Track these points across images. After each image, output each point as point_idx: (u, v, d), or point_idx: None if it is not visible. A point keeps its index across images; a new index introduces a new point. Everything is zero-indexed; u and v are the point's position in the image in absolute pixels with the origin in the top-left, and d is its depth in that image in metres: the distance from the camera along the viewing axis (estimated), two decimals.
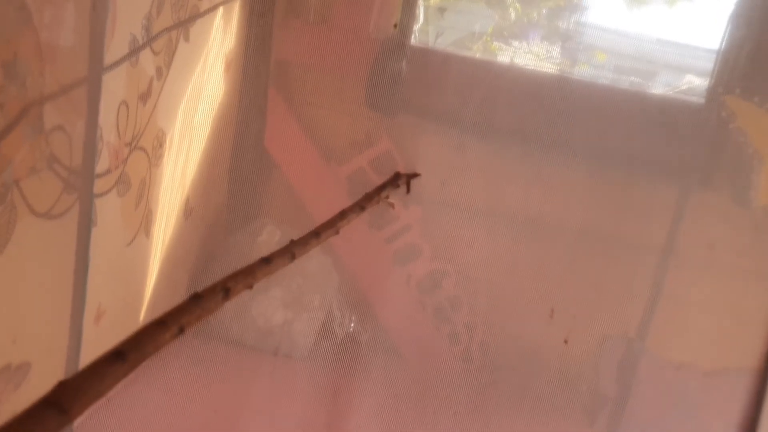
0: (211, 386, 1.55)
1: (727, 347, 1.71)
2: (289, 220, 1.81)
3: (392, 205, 1.35)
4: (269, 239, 1.78)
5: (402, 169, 1.68)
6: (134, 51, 1.08)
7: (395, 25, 1.63)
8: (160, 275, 1.54)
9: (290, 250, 0.86)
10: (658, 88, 1.76)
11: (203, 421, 1.45)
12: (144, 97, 1.25)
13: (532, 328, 1.71)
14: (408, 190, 1.37)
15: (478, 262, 1.75)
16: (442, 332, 1.80)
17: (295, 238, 1.58)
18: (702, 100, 1.64)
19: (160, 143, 1.38)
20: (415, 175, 1.39)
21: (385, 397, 1.61)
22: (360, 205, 1.11)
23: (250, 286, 0.75)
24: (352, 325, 1.82)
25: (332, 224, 1.00)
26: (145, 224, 1.40)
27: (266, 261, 0.81)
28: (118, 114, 1.14)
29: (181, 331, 0.56)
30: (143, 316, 1.50)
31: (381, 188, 1.27)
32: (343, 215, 1.02)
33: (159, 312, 1.58)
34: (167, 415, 1.42)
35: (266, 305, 1.74)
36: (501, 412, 1.66)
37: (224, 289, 0.68)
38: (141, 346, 0.51)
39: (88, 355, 1.20)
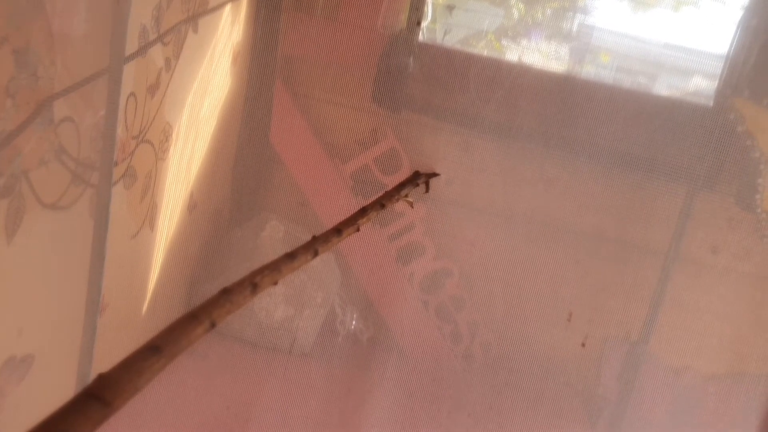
0: (215, 379, 1.54)
1: (729, 351, 1.71)
2: (293, 215, 1.80)
3: (411, 204, 1.34)
4: (272, 234, 1.77)
5: (407, 168, 1.68)
6: (153, 41, 1.07)
7: (418, 23, 1.62)
8: (163, 268, 1.54)
9: (313, 247, 0.86)
10: (665, 90, 1.76)
11: (213, 413, 1.45)
12: (152, 89, 1.24)
13: (547, 330, 1.71)
14: (427, 190, 1.36)
15: (481, 261, 1.75)
16: (444, 331, 1.80)
17: (298, 234, 1.57)
18: (710, 103, 1.63)
19: (166, 136, 1.37)
20: (434, 175, 1.39)
21: (397, 396, 1.61)
22: (380, 203, 1.11)
23: (276, 282, 0.74)
24: (354, 322, 1.81)
25: (353, 221, 1.00)
26: (149, 217, 1.39)
27: (291, 257, 0.81)
28: (126, 106, 1.13)
29: (213, 325, 0.56)
30: (145, 309, 1.49)
31: (401, 186, 1.26)
32: (363, 212, 1.02)
33: (161, 305, 1.57)
34: (175, 408, 1.41)
35: (268, 300, 1.73)
36: (514, 413, 1.65)
37: (252, 284, 0.68)
38: (176, 340, 0.51)
39: (97, 348, 1.19)
